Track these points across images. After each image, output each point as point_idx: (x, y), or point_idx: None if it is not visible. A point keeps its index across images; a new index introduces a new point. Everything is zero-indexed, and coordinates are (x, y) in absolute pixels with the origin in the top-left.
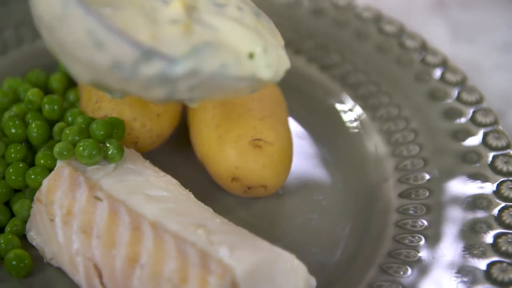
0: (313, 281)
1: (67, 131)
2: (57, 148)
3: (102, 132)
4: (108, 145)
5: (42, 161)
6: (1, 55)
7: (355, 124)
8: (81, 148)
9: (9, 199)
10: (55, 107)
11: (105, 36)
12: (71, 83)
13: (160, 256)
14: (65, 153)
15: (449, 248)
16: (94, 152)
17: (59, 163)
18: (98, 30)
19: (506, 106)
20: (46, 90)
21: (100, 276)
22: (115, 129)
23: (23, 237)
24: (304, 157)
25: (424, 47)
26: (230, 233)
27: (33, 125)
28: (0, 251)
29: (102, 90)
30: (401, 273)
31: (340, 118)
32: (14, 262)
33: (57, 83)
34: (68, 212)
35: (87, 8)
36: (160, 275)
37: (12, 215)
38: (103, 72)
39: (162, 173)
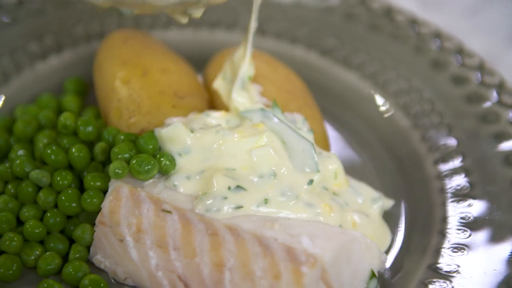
0: (384, 257)
1: (116, 150)
2: (111, 167)
3: (151, 146)
4: (160, 157)
5: (92, 183)
6: (3, 84)
7: (370, 102)
8: (136, 164)
9: (64, 227)
10: (90, 128)
11: None
12: (83, 102)
13: (246, 257)
14: (119, 171)
15: (500, 206)
16: (149, 167)
17: (113, 183)
18: None
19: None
20: (60, 113)
21: (187, 286)
22: None
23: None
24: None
25: (415, 20)
26: (302, 223)
27: (73, 149)
28: (71, 280)
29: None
30: (462, 235)
31: (352, 99)
32: None
33: (71, 104)
34: (138, 229)
35: None
36: (252, 275)
37: (71, 242)
38: None
39: None
